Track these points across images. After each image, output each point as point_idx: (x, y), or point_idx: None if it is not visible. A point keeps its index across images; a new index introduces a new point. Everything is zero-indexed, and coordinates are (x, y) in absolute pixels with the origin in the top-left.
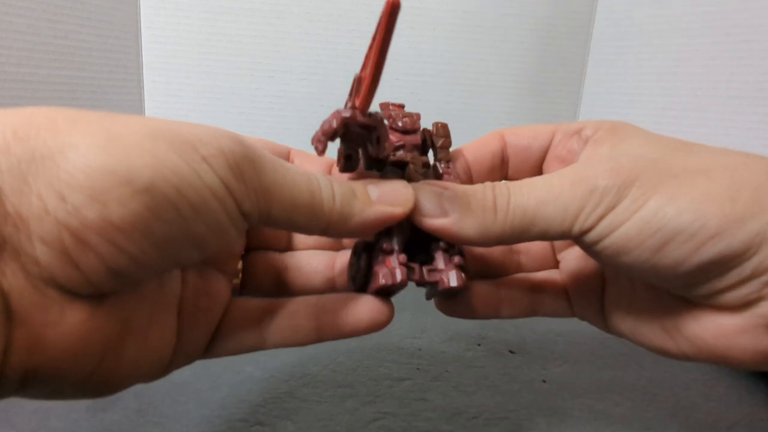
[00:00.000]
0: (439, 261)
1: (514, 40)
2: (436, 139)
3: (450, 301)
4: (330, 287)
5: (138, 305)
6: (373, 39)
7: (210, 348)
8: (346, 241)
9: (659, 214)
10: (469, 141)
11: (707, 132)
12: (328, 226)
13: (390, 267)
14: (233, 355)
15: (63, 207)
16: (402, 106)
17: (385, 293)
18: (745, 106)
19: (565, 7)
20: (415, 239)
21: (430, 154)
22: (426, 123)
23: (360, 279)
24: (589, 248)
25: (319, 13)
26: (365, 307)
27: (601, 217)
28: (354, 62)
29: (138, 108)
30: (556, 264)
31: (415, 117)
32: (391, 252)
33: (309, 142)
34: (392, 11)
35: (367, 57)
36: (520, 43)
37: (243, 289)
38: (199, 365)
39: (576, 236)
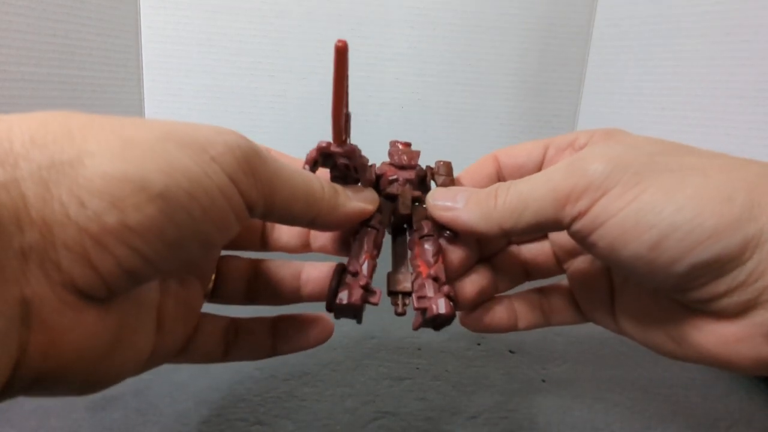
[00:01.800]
0: (429, 289)
1: (514, 40)
2: (437, 178)
3: (440, 329)
4: (295, 297)
5: (130, 309)
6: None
7: (181, 353)
8: (315, 245)
9: (656, 208)
10: (471, 140)
11: (707, 132)
12: (318, 215)
13: (351, 288)
14: (201, 364)
15: (84, 213)
16: (408, 144)
17: (348, 313)
18: (745, 106)
19: (565, 7)
20: (400, 266)
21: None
22: (427, 121)
23: (329, 298)
24: (585, 240)
25: (320, 13)
26: (310, 328)
27: (594, 202)
28: (354, 62)
29: (138, 107)
30: (561, 272)
31: (414, 154)
32: (355, 274)
33: (308, 140)
34: (339, 53)
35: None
36: (520, 42)
37: (213, 293)
38: (199, 365)
39: (569, 223)
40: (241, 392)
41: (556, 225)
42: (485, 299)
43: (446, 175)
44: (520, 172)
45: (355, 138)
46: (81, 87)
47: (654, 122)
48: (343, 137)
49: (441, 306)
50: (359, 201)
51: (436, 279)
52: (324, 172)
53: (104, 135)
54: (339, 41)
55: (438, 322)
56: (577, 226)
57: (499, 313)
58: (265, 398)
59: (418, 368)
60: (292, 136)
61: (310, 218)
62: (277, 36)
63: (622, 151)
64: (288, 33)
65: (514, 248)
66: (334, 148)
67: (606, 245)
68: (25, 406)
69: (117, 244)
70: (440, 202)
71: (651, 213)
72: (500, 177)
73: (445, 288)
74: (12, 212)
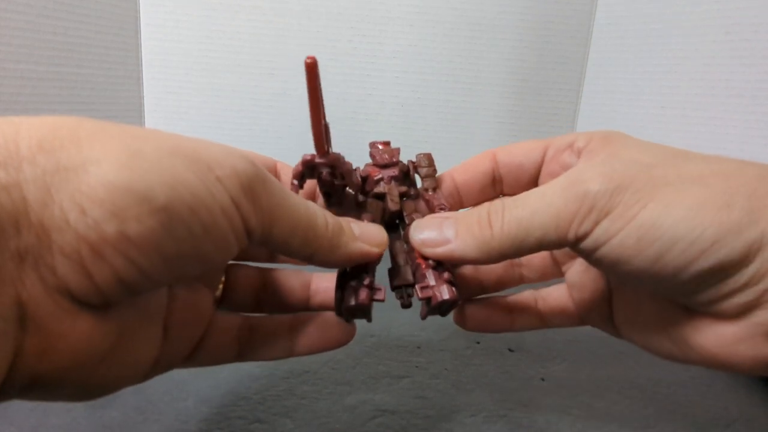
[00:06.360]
0: (430, 278)
1: (514, 38)
2: (420, 170)
3: (447, 313)
4: (304, 306)
5: (132, 317)
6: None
7: (189, 358)
8: None
9: (657, 223)
10: (470, 138)
11: (707, 131)
12: (316, 253)
13: (357, 290)
14: (213, 366)
15: (83, 220)
16: (387, 143)
17: (358, 314)
18: (745, 106)
19: (564, 6)
20: (398, 260)
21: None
22: (426, 119)
23: (337, 303)
24: (589, 257)
25: (319, 11)
26: (332, 328)
27: (597, 223)
28: (354, 60)
29: (137, 105)
30: (559, 274)
31: (395, 151)
32: (358, 276)
33: (308, 140)
34: (309, 68)
35: None
36: (519, 41)
37: (222, 301)
38: None
39: (573, 243)
40: (240, 390)
41: (559, 246)
42: (466, 298)
43: (428, 167)
44: (518, 172)
45: (356, 137)
46: (80, 85)
47: (654, 121)
48: (325, 148)
49: (444, 292)
50: (365, 242)
51: (435, 267)
52: (314, 183)
53: (112, 144)
54: (308, 57)
55: (444, 308)
56: (580, 246)
57: (494, 314)
58: (265, 396)
59: (417, 366)
60: (291, 134)
61: (307, 254)
62: (277, 33)
63: (621, 168)
64: (288, 31)
65: None
66: (318, 160)
67: (610, 262)
68: (24, 404)
69: (114, 254)
70: (426, 235)
71: (652, 228)
72: (496, 175)
73: (446, 275)
74: (11, 214)
